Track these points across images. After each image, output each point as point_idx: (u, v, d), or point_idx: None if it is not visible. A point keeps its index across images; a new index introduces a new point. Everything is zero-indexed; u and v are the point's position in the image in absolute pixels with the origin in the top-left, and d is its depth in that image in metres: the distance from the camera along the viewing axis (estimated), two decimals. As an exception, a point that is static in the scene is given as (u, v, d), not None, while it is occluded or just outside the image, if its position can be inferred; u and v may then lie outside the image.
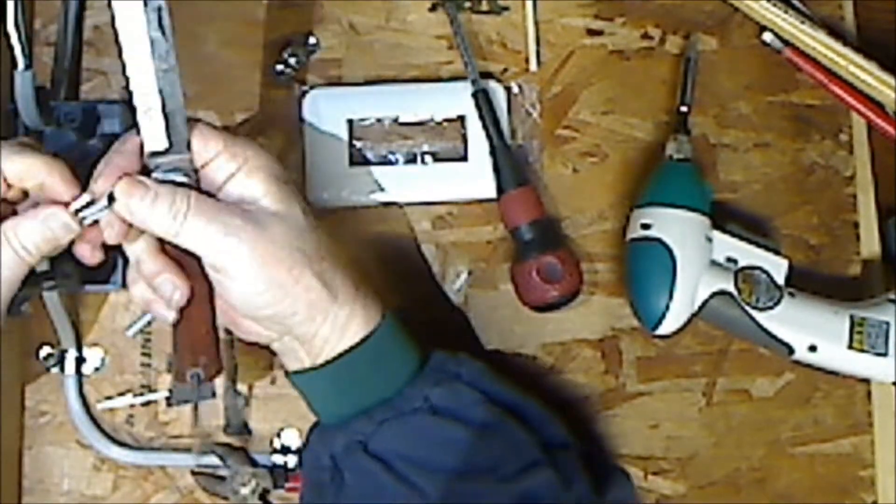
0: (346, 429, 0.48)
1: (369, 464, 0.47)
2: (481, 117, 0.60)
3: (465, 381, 0.50)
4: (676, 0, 0.64)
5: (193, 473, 0.60)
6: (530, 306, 0.60)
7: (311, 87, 0.62)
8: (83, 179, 0.46)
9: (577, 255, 0.60)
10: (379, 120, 0.62)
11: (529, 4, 0.63)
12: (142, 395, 0.61)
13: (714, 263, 0.58)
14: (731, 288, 0.57)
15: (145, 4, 0.47)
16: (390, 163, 0.62)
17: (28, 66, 0.52)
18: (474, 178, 0.61)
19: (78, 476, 0.60)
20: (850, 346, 0.57)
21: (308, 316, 0.46)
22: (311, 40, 0.63)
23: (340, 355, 0.47)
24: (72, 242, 0.46)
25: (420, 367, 0.50)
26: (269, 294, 0.45)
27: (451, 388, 0.49)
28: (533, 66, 0.63)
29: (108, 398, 0.61)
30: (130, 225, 0.45)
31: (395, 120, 0.62)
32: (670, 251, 0.56)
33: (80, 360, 0.61)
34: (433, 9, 0.63)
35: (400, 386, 0.49)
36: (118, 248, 0.52)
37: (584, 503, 0.50)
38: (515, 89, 0.63)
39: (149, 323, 0.59)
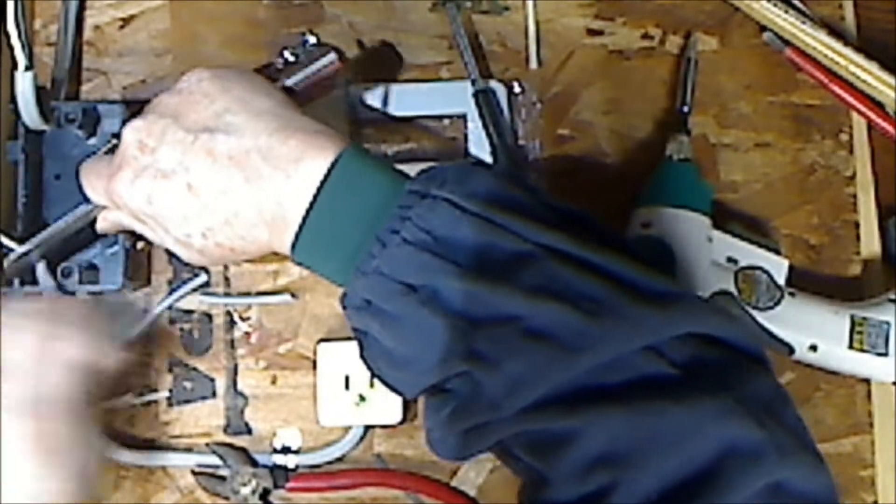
0: (352, 290, 0.43)
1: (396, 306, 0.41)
2: (482, 117, 0.60)
3: (451, 201, 0.42)
4: (676, 0, 0.64)
5: (194, 473, 0.60)
6: (530, 306, 0.59)
7: (311, 87, 0.62)
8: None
9: (577, 255, 0.60)
10: (379, 119, 0.62)
11: (530, 4, 0.63)
12: (142, 395, 0.61)
13: (714, 263, 0.58)
14: (731, 288, 0.57)
15: None
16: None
17: (28, 67, 0.52)
18: (474, 178, 0.61)
19: (78, 476, 0.60)
20: (851, 346, 0.57)
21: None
22: (311, 40, 0.62)
23: (304, 218, 0.43)
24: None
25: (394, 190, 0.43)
26: None
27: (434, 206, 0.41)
28: (533, 66, 0.63)
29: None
30: None
31: (395, 120, 0.62)
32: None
33: (80, 361, 0.61)
34: (433, 9, 0.63)
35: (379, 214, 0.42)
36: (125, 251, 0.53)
37: None
38: (516, 89, 0.63)
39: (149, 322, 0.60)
